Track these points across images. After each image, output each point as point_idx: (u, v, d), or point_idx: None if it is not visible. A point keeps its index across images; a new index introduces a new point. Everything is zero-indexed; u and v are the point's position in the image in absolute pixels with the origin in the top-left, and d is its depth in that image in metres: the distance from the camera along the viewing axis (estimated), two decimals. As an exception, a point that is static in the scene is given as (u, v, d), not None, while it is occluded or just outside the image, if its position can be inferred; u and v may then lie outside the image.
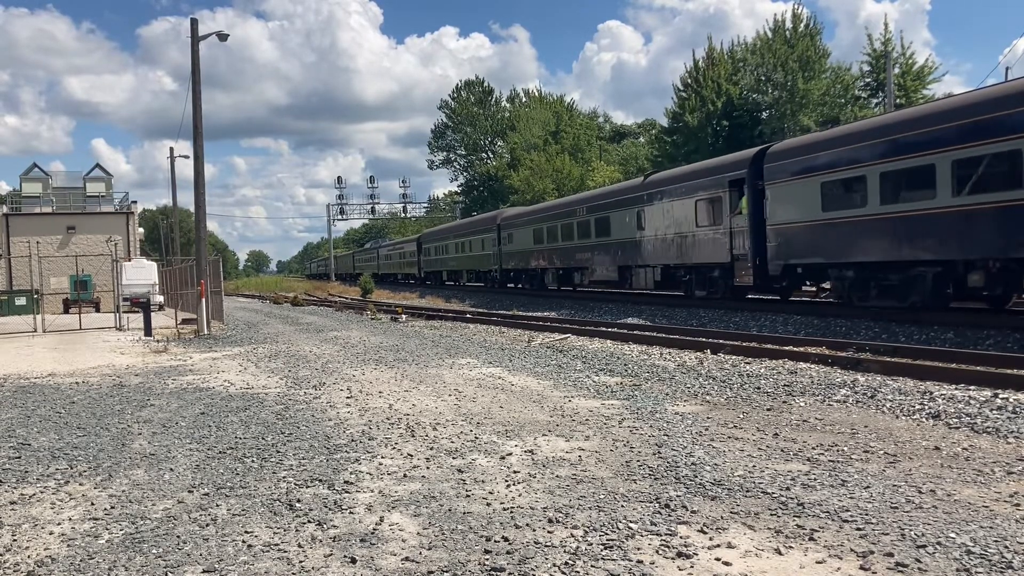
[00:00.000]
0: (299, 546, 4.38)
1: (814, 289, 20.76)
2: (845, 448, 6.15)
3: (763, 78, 47.03)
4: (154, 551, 4.37)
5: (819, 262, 17.42)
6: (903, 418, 7.26)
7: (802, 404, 8.08)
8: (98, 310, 36.54)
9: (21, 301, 31.59)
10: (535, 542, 4.30)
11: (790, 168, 17.88)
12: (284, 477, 5.85)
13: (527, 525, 4.58)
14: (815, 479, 5.31)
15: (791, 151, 18.25)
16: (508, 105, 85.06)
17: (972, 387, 8.52)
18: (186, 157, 41.98)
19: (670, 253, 23.11)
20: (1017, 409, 7.26)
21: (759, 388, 9.04)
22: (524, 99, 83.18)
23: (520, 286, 38.05)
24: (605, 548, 4.17)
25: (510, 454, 6.33)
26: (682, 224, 22.32)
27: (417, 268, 58.15)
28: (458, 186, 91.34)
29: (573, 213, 30.16)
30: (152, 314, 22.88)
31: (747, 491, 5.08)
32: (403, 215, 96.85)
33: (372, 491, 5.41)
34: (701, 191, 21.43)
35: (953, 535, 4.17)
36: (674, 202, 22.79)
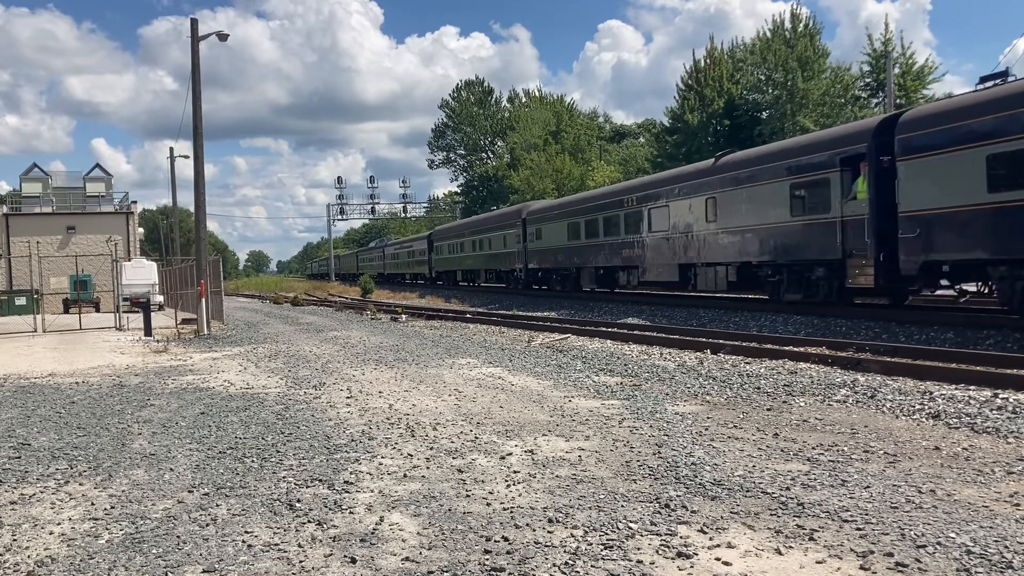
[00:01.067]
0: (299, 546, 4.38)
1: (954, 293, 16.44)
2: (845, 448, 6.15)
3: (763, 77, 47.05)
4: (154, 551, 4.37)
5: (979, 258, 13.62)
6: (903, 418, 7.26)
7: (802, 404, 8.08)
8: (98, 310, 36.53)
9: (21, 301, 31.58)
10: (535, 542, 4.30)
11: (937, 139, 14.01)
12: (284, 477, 5.85)
13: (527, 525, 4.58)
14: (815, 479, 5.31)
15: (938, 117, 14.33)
16: (508, 105, 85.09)
17: (972, 387, 8.52)
18: (186, 157, 42.03)
19: (751, 248, 19.16)
20: (1017, 409, 7.26)
21: (759, 388, 9.04)
22: (524, 99, 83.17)
23: (548, 288, 34.06)
24: (605, 548, 4.17)
25: (510, 454, 6.33)
26: (770, 212, 18.38)
27: (428, 268, 54.72)
28: (458, 186, 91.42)
29: (620, 204, 26.22)
30: (152, 314, 22.87)
31: (747, 491, 5.08)
32: (403, 215, 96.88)
33: (372, 491, 5.41)
34: (799, 172, 17.60)
35: (953, 535, 4.17)
36: (760, 187, 18.82)
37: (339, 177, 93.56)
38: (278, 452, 6.67)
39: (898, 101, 38.10)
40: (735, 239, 19.88)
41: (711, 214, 20.83)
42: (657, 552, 4.10)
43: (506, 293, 36.63)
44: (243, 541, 4.48)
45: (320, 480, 5.72)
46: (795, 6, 46.87)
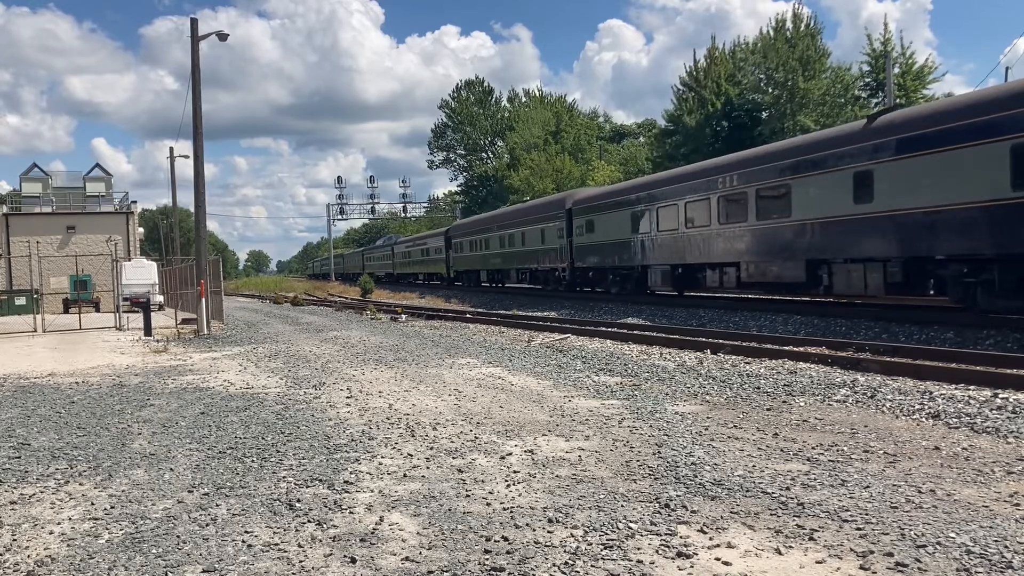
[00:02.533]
0: (299, 546, 4.37)
1: None
2: (845, 448, 6.15)
3: (764, 77, 47.07)
4: (154, 551, 4.37)
5: None
6: (903, 418, 7.26)
7: (802, 404, 8.08)
8: (98, 310, 36.53)
9: (21, 301, 31.59)
10: (535, 542, 4.30)
11: None
12: (284, 477, 5.85)
13: (527, 525, 4.58)
14: (815, 479, 5.31)
15: None
16: (508, 105, 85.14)
17: (972, 387, 8.52)
18: (186, 157, 41.96)
19: (933, 237, 14.34)
20: (1017, 409, 7.26)
21: (759, 388, 9.04)
22: (524, 99, 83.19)
23: (603, 290, 28.71)
24: (605, 548, 4.17)
25: (510, 454, 6.33)
26: (973, 186, 13.37)
27: (445, 267, 49.79)
28: (458, 186, 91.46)
29: (711, 186, 20.89)
30: (152, 314, 22.87)
31: (747, 491, 5.08)
32: (403, 215, 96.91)
33: (372, 491, 5.41)
34: None
35: (953, 535, 4.17)
36: (945, 154, 13.89)
37: (339, 177, 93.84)
38: (278, 452, 6.67)
39: (898, 101, 38.12)
40: (902, 225, 14.92)
41: (862, 192, 15.76)
42: (657, 552, 4.10)
43: (543, 296, 31.94)
44: (243, 541, 4.48)
45: (320, 480, 5.72)
46: (797, 6, 46.79)
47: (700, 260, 21.84)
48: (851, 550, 4.02)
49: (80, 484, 5.90)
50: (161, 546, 4.44)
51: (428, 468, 5.97)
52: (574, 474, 5.66)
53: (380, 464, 6.15)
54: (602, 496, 5.09)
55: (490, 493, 5.26)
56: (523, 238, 35.16)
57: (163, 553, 4.33)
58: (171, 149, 49.03)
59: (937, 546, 4.01)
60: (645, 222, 24.59)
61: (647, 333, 16.07)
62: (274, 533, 4.60)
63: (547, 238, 32.39)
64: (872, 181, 15.57)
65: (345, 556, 4.19)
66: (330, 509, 5.02)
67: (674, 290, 24.39)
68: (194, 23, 23.20)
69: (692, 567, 3.89)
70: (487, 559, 4.07)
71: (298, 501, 5.20)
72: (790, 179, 18.05)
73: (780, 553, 4.03)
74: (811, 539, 4.21)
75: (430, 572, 3.94)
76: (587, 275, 29.75)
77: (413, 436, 7.12)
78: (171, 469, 6.23)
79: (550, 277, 33.05)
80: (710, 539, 4.26)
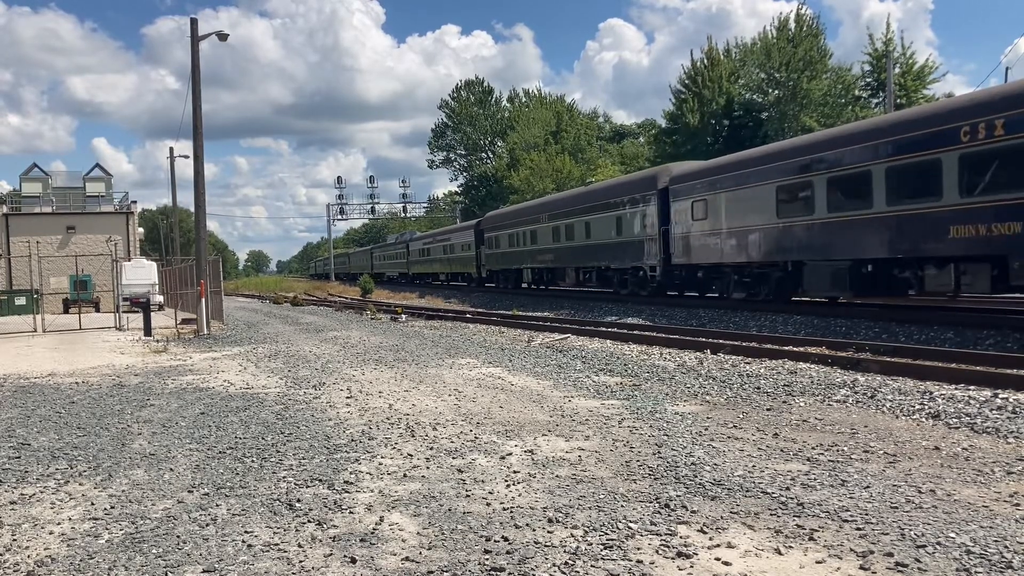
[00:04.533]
0: (299, 546, 4.38)
1: None
2: (845, 448, 6.15)
3: (764, 77, 47.10)
4: (154, 551, 4.37)
5: None
6: (903, 418, 7.26)
7: (802, 404, 8.08)
8: (98, 310, 36.54)
9: (21, 301, 31.62)
10: (535, 542, 4.30)
11: None
12: (284, 477, 5.85)
13: (527, 525, 4.58)
14: (815, 479, 5.31)
15: None
16: (508, 105, 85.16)
17: (972, 387, 8.52)
18: (186, 157, 41.94)
19: None
20: (1017, 409, 7.26)
21: (759, 388, 9.04)
22: (524, 99, 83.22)
23: (721, 294, 21.71)
24: (605, 548, 4.17)
25: (510, 454, 6.33)
26: None
27: (475, 265, 43.08)
28: (458, 186, 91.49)
29: (943, 137, 13.68)
30: (152, 314, 22.87)
31: (747, 491, 5.08)
32: (403, 215, 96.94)
33: (372, 491, 5.41)
34: None
35: (953, 535, 4.17)
36: None
37: (339, 177, 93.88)
38: (278, 452, 6.67)
39: (898, 101, 38.12)
40: None
41: None
42: (657, 552, 4.10)
43: (615, 301, 25.47)
44: (243, 541, 4.48)
45: (320, 480, 5.72)
46: (799, 6, 46.82)
47: (919, 250, 14.39)
48: (851, 550, 4.02)
49: (80, 484, 5.90)
50: (161, 546, 4.44)
51: (428, 468, 5.97)
52: (574, 474, 5.66)
53: (380, 464, 6.15)
54: (602, 496, 5.09)
55: (490, 493, 5.26)
56: (587, 229, 28.35)
57: (163, 553, 4.33)
58: (171, 149, 49.08)
59: (937, 546, 4.02)
60: (800, 201, 17.36)
61: (647, 333, 16.06)
62: (274, 533, 4.60)
63: (625, 228, 25.56)
64: None
65: (345, 556, 4.19)
66: (330, 509, 5.02)
67: (855, 296, 16.79)
68: (194, 23, 23.21)
69: (692, 567, 3.89)
70: (487, 559, 4.07)
71: (298, 501, 5.20)
72: None
73: (780, 553, 4.04)
74: (811, 539, 4.21)
75: (430, 572, 3.94)
76: (692, 275, 22.72)
77: (413, 436, 7.12)
78: (171, 469, 6.23)
79: (629, 278, 25.74)
80: (710, 539, 4.26)
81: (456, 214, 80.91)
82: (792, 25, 46.54)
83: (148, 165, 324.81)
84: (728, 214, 20.16)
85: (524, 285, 36.51)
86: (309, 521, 4.80)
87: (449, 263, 49.38)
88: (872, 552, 3.98)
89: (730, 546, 4.15)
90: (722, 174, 20.75)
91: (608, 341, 15.39)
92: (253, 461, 6.38)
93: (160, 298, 36.55)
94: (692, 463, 5.80)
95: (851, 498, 4.87)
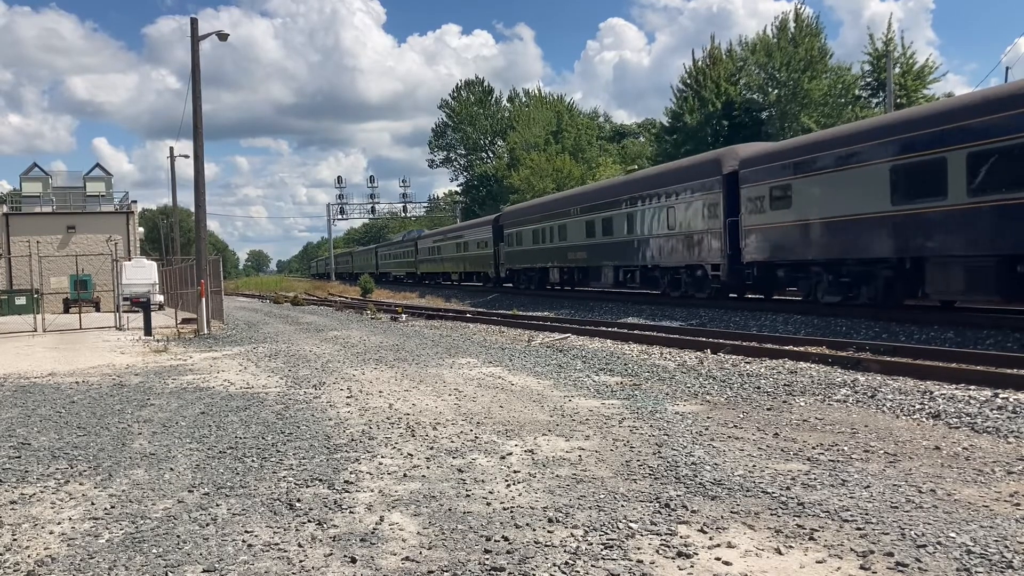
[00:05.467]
0: (299, 546, 4.37)
1: None
2: (845, 448, 6.15)
3: (766, 76, 47.09)
4: (154, 551, 4.37)
5: None
6: (903, 418, 7.26)
7: (802, 404, 8.08)
8: (98, 310, 36.54)
9: (21, 301, 31.60)
10: (535, 542, 4.30)
11: None
12: (284, 477, 5.85)
13: (527, 525, 4.58)
14: (815, 479, 5.31)
15: None
16: (508, 105, 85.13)
17: (972, 387, 8.52)
18: (186, 157, 41.91)
19: None
20: (1017, 409, 7.26)
21: (759, 388, 9.03)
22: (524, 99, 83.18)
23: (797, 297, 19.68)
24: (605, 548, 4.17)
25: (510, 454, 6.32)
26: None
27: (492, 263, 39.79)
28: (458, 186, 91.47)
29: None
30: (152, 314, 22.87)
31: (747, 491, 5.08)
32: (403, 215, 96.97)
33: (372, 491, 5.41)
34: None
35: (953, 535, 4.16)
36: None
37: (339, 177, 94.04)
38: (278, 452, 6.67)
39: (898, 101, 38.11)
40: None
41: None
42: (657, 552, 4.10)
43: (683, 306, 22.03)
44: (243, 541, 4.48)
45: (320, 480, 5.72)
46: (799, 6, 46.82)
47: None
48: (851, 550, 4.02)
49: (80, 484, 5.90)
50: (161, 546, 4.44)
51: (428, 468, 5.97)
52: (574, 474, 5.66)
53: (380, 464, 6.14)
54: (602, 496, 5.09)
55: (490, 493, 5.26)
56: (627, 222, 25.17)
57: (163, 553, 4.33)
58: (171, 149, 49.03)
59: (937, 546, 4.01)
60: (926, 184, 13.98)
61: (647, 333, 16.07)
62: (274, 533, 4.60)
63: (678, 220, 22.34)
64: None
65: (345, 556, 4.19)
66: (330, 509, 5.02)
67: (1004, 301, 13.70)
68: (194, 23, 23.20)
69: (692, 567, 3.89)
70: (487, 559, 4.07)
71: (298, 501, 5.20)
72: None
73: (780, 553, 4.03)
74: (811, 539, 4.20)
75: (430, 572, 3.94)
76: (769, 274, 19.34)
77: (413, 436, 7.12)
78: (171, 469, 6.23)
79: (684, 278, 22.66)
80: (710, 539, 4.26)
81: (456, 214, 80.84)
82: (792, 25, 46.56)
83: (148, 165, 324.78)
84: (820, 201, 16.85)
85: (549, 286, 33.18)
86: (309, 521, 4.79)
87: (463, 262, 45.67)
88: (872, 552, 3.97)
89: (730, 546, 4.14)
90: (811, 154, 17.34)
91: (608, 341, 15.39)
92: (253, 461, 6.38)
93: (160, 298, 36.56)
94: (692, 463, 5.80)
95: (851, 498, 4.87)
